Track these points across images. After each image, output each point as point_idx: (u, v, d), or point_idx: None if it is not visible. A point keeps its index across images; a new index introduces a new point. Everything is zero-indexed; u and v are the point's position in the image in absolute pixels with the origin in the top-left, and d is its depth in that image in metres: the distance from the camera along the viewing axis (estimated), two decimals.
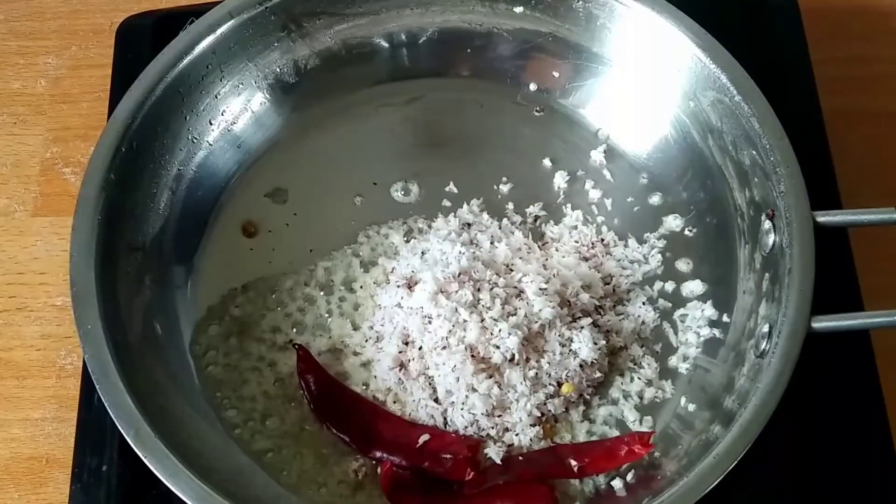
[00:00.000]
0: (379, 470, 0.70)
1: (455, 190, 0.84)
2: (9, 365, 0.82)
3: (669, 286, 0.79)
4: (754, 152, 0.74)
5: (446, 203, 0.83)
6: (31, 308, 0.84)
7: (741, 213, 0.77)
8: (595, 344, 0.73)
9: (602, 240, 0.81)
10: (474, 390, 0.70)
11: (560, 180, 0.84)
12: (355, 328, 0.77)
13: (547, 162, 0.85)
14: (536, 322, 0.72)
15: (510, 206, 0.83)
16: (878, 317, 0.69)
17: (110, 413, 0.65)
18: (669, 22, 0.79)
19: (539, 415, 0.72)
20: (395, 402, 0.74)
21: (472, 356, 0.71)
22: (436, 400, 0.72)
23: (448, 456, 0.70)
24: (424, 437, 0.71)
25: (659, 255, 0.80)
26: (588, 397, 0.74)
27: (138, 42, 0.91)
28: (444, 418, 0.72)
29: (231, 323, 0.78)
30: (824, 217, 0.70)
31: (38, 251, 0.87)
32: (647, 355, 0.76)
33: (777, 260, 0.71)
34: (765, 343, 0.68)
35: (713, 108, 0.78)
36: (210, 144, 0.83)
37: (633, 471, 0.70)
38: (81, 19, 0.99)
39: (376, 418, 0.72)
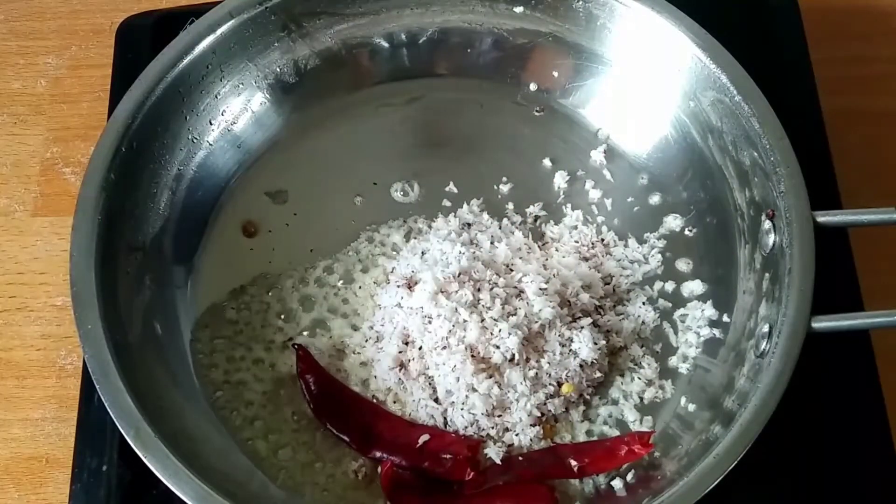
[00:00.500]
0: (379, 470, 0.70)
1: (455, 190, 0.84)
2: (9, 365, 0.82)
3: (669, 286, 0.79)
4: (754, 152, 0.74)
5: (446, 203, 0.83)
6: (31, 308, 0.84)
7: (741, 213, 0.77)
8: (595, 344, 0.73)
9: (602, 240, 0.81)
10: (474, 390, 0.70)
11: (560, 180, 0.84)
12: (355, 328, 0.77)
13: (547, 162, 0.85)
14: (536, 322, 0.72)
15: (510, 206, 0.83)
16: (878, 317, 0.69)
17: (110, 413, 0.65)
18: (669, 22, 0.79)
19: (539, 415, 0.72)
20: (395, 402, 0.74)
21: (472, 356, 0.71)
22: (436, 400, 0.72)
23: (448, 456, 0.70)
24: (424, 438, 0.71)
25: (659, 255, 0.80)
26: (588, 397, 0.74)
27: (138, 42, 0.91)
28: (444, 418, 0.72)
29: (231, 323, 0.78)
30: (824, 217, 0.70)
31: (38, 251, 0.87)
32: (647, 355, 0.76)
33: (777, 260, 0.71)
34: (765, 343, 0.68)
35: (713, 108, 0.78)
36: (210, 144, 0.83)
37: (633, 471, 0.70)
38: (81, 19, 0.99)
39: (376, 418, 0.72)
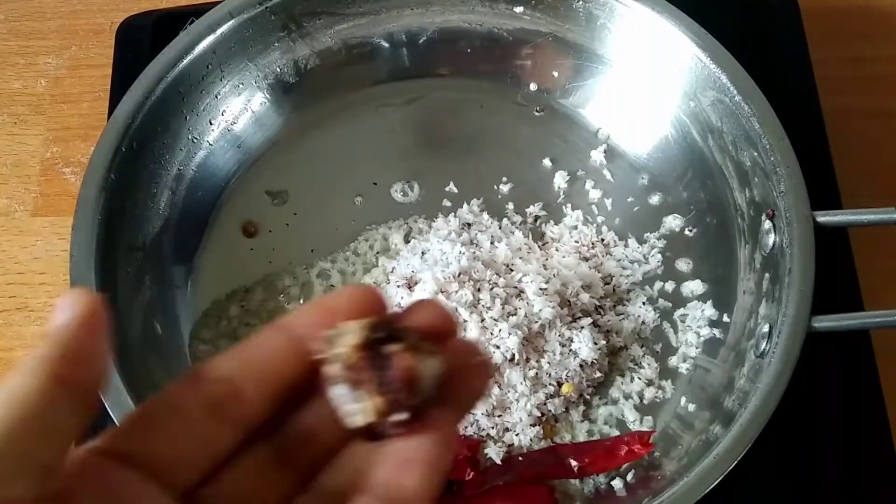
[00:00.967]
0: None
1: (455, 190, 0.84)
2: (9, 365, 0.82)
3: (669, 286, 0.79)
4: (754, 152, 0.74)
5: (446, 203, 0.83)
6: (31, 308, 0.84)
7: (741, 213, 0.77)
8: (595, 344, 0.73)
9: (602, 240, 0.81)
10: None
11: (560, 180, 0.84)
12: None
13: (547, 162, 0.85)
14: (536, 322, 0.72)
15: (510, 206, 0.83)
16: (878, 317, 0.69)
17: (110, 413, 0.65)
18: (669, 22, 0.78)
19: (539, 415, 0.72)
20: None
21: None
22: None
23: None
24: None
25: (659, 255, 0.80)
26: (588, 397, 0.74)
27: (138, 42, 0.91)
28: None
29: (231, 323, 0.78)
30: (824, 217, 0.70)
31: (38, 251, 0.87)
32: (647, 355, 0.76)
33: (777, 260, 0.71)
34: (765, 343, 0.68)
35: (713, 108, 0.78)
36: (210, 144, 0.83)
37: (633, 471, 0.70)
38: (81, 19, 0.99)
39: None
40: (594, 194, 0.83)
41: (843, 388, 0.76)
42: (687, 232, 0.81)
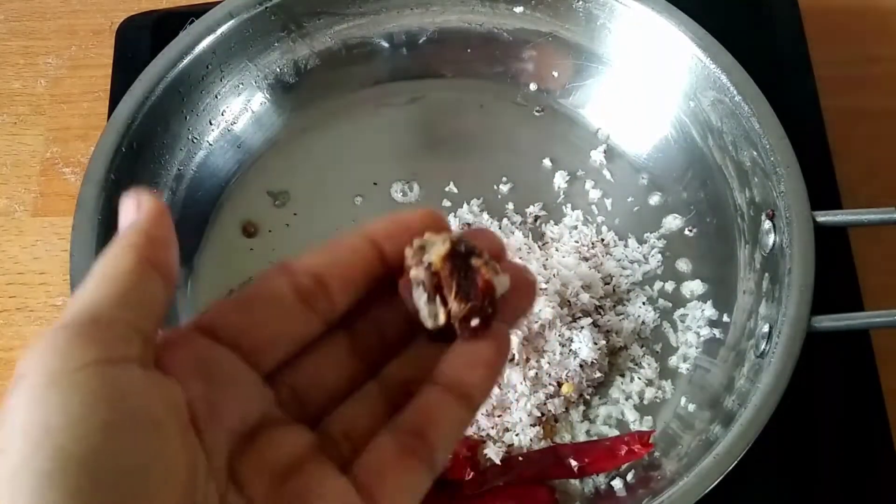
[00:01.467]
0: None
1: (455, 190, 0.84)
2: (9, 365, 0.82)
3: (669, 286, 0.79)
4: (754, 152, 0.74)
5: (446, 203, 0.83)
6: (31, 308, 0.84)
7: (741, 213, 0.77)
8: (595, 344, 0.73)
9: (602, 240, 0.81)
10: None
11: (560, 180, 0.84)
12: None
13: (547, 162, 0.85)
14: (536, 322, 0.72)
15: (510, 206, 0.83)
16: (878, 317, 0.69)
17: None
18: (669, 22, 0.78)
19: (539, 415, 0.72)
20: None
21: None
22: None
23: None
24: None
25: (659, 255, 0.80)
26: (588, 397, 0.74)
27: (138, 42, 0.91)
28: None
29: None
30: (824, 217, 0.70)
31: (38, 251, 0.87)
32: (647, 355, 0.76)
33: (777, 260, 0.71)
34: (765, 343, 0.68)
35: (713, 108, 0.78)
36: (210, 144, 0.83)
37: (633, 471, 0.70)
38: (81, 19, 0.99)
39: None
40: (594, 194, 0.83)
41: (843, 388, 0.76)
42: (687, 232, 0.81)
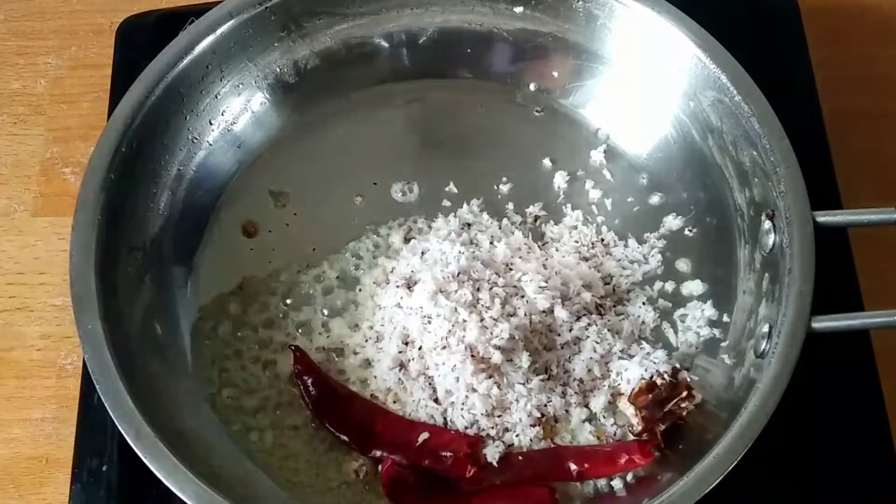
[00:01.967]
0: (380, 468, 0.70)
1: (455, 190, 0.84)
2: (9, 365, 0.82)
3: (669, 286, 0.79)
4: (754, 152, 0.74)
5: (446, 203, 0.83)
6: (31, 308, 0.84)
7: (741, 213, 0.77)
8: (597, 344, 0.73)
9: (602, 240, 0.81)
10: (474, 390, 0.70)
11: (560, 180, 0.84)
12: (355, 328, 0.77)
13: (547, 162, 0.85)
14: (537, 320, 0.72)
15: (510, 206, 0.83)
16: (878, 317, 0.69)
17: (110, 413, 0.65)
18: (669, 22, 0.79)
19: (539, 415, 0.72)
20: (394, 403, 0.74)
21: (472, 356, 0.71)
22: (436, 400, 0.72)
23: (448, 453, 0.70)
24: (424, 436, 0.71)
25: (659, 255, 0.80)
26: (589, 397, 0.74)
27: (138, 42, 0.91)
28: (444, 419, 0.72)
29: (231, 323, 0.78)
30: (824, 217, 0.70)
31: (38, 251, 0.87)
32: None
33: (777, 260, 0.71)
34: (765, 343, 0.68)
35: (713, 108, 0.78)
36: (210, 144, 0.83)
37: (632, 471, 0.70)
38: (81, 19, 0.99)
39: (375, 417, 0.72)
40: (594, 194, 0.83)
41: (843, 388, 0.76)
42: (687, 232, 0.81)
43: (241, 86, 0.84)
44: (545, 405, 0.72)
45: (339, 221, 0.82)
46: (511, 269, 0.76)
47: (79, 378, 0.78)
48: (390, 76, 0.88)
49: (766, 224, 0.73)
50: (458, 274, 0.73)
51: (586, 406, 0.73)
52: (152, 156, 0.78)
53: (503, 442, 0.71)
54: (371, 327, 0.77)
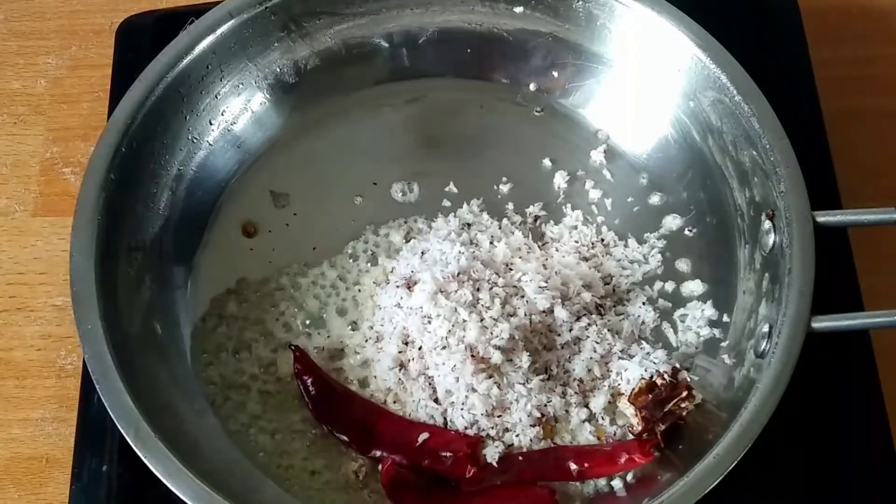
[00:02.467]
0: (380, 468, 0.70)
1: (455, 190, 0.84)
2: (9, 365, 0.82)
3: (669, 286, 0.79)
4: (754, 152, 0.74)
5: (446, 203, 0.83)
6: (31, 308, 0.84)
7: (741, 213, 0.77)
8: (597, 344, 0.73)
9: (602, 240, 0.81)
10: (474, 390, 0.70)
11: (560, 180, 0.84)
12: (355, 328, 0.77)
13: (547, 162, 0.85)
14: (537, 320, 0.72)
15: (510, 206, 0.83)
16: (878, 317, 0.69)
17: (110, 413, 0.65)
18: (669, 22, 0.79)
19: (539, 415, 0.72)
20: (394, 403, 0.74)
21: (472, 356, 0.71)
22: (436, 400, 0.72)
23: (448, 454, 0.70)
24: (424, 436, 0.71)
25: (659, 255, 0.80)
26: (589, 397, 0.74)
27: (138, 42, 0.91)
28: (444, 419, 0.72)
29: (231, 323, 0.78)
30: (824, 217, 0.70)
31: (38, 251, 0.87)
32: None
33: (777, 260, 0.71)
34: (765, 343, 0.68)
35: (713, 108, 0.78)
36: (210, 144, 0.83)
37: (632, 471, 0.70)
38: (81, 19, 0.99)
39: (375, 417, 0.72)
40: (594, 194, 0.83)
41: (843, 388, 0.76)
42: (687, 232, 0.81)
43: (241, 86, 0.84)
44: (545, 405, 0.72)
45: (339, 221, 0.82)
46: (511, 269, 0.76)
47: (79, 378, 0.78)
48: (390, 76, 0.88)
49: (766, 224, 0.73)
50: (458, 274, 0.73)
51: (586, 406, 0.73)
52: (152, 156, 0.78)
53: (503, 442, 0.71)
54: (371, 327, 0.77)
